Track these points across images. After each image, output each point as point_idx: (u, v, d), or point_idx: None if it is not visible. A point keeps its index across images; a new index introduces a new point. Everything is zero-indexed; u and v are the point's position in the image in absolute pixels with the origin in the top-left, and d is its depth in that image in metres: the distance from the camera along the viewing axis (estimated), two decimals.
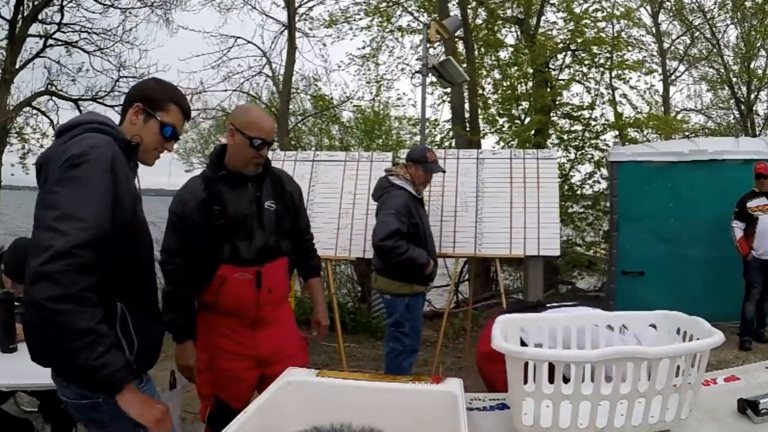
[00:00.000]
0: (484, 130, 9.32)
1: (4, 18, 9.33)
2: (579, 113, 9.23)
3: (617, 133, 9.30)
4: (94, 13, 10.06)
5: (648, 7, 11.42)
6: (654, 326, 1.68)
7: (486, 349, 1.96)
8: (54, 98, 10.14)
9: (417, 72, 7.65)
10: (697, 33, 12.30)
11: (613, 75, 9.24)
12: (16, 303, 2.53)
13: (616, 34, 9.44)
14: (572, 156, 9.14)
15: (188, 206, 2.00)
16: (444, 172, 4.21)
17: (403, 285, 3.52)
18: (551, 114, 9.13)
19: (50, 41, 9.94)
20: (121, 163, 1.40)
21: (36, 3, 9.51)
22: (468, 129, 8.87)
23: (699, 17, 12.10)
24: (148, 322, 1.48)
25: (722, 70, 12.24)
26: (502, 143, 9.32)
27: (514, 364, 1.32)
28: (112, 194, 1.33)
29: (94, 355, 1.22)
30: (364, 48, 10.90)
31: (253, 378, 2.14)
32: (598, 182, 8.83)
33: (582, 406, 1.29)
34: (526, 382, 1.36)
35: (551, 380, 1.32)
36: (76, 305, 1.20)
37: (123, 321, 1.38)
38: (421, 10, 10.54)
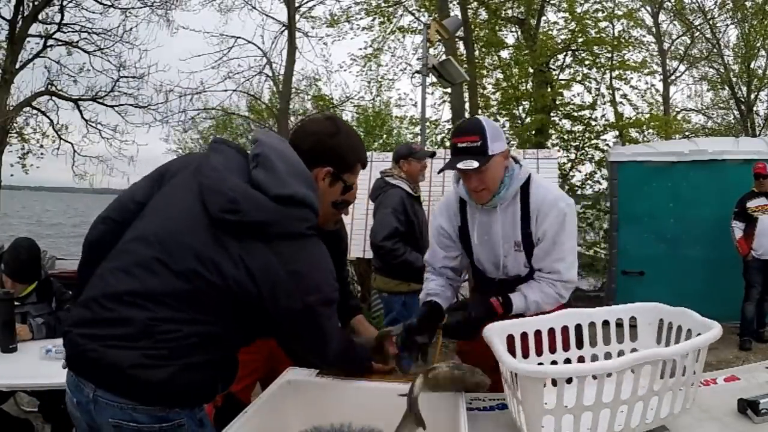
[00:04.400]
0: None
1: (4, 18, 9.35)
2: (580, 113, 9.23)
3: (617, 133, 9.30)
4: (94, 13, 10.09)
5: (648, 8, 11.42)
6: (635, 319, 1.69)
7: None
8: (54, 98, 10.15)
9: (417, 72, 7.66)
10: (698, 33, 12.30)
11: (613, 75, 9.24)
12: (16, 303, 2.53)
13: (617, 35, 9.44)
14: (572, 156, 9.14)
15: None
16: (434, 154, 4.04)
17: (400, 283, 3.53)
18: (551, 114, 9.13)
19: (50, 41, 9.95)
20: None
21: (36, 3, 9.52)
22: None
23: (699, 17, 12.11)
24: None
25: (722, 70, 12.24)
26: None
27: (531, 383, 1.27)
28: None
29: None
30: (366, 48, 10.91)
31: (261, 369, 2.16)
32: (599, 182, 8.84)
33: (602, 414, 1.29)
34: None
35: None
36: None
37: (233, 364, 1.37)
38: (422, 9, 10.56)
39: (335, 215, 1.97)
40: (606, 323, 1.65)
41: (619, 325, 1.66)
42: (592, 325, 1.64)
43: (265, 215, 1.22)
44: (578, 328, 1.63)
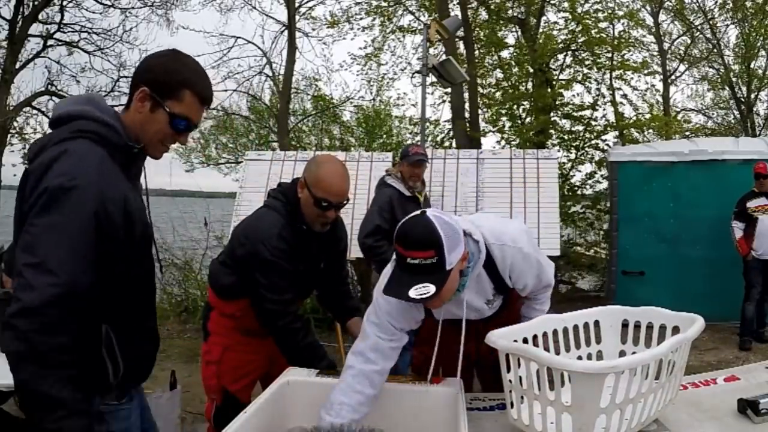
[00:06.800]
0: (485, 129, 9.33)
1: (4, 18, 9.36)
2: (580, 113, 9.22)
3: (618, 133, 9.30)
4: (94, 13, 10.10)
5: (648, 7, 11.42)
6: (597, 322, 1.71)
7: None
8: (54, 98, 10.14)
9: (417, 72, 7.66)
10: (698, 33, 12.30)
11: (614, 75, 9.22)
12: None
13: (617, 35, 9.43)
14: (573, 156, 9.13)
15: (285, 253, 1.92)
16: (425, 160, 3.77)
17: None
18: (551, 114, 9.12)
19: (50, 41, 9.96)
20: (114, 187, 1.21)
21: (36, 3, 9.52)
22: (468, 129, 8.87)
23: (699, 17, 12.11)
24: (140, 342, 1.36)
25: (722, 70, 12.24)
26: (503, 142, 9.33)
27: (591, 381, 1.21)
28: (95, 240, 1.16)
29: (52, 418, 1.11)
30: (365, 48, 10.92)
31: (261, 369, 2.16)
32: (599, 182, 8.83)
33: (628, 409, 1.30)
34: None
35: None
36: (39, 368, 1.10)
37: (108, 343, 1.26)
38: (422, 9, 10.56)
39: (320, 216, 1.95)
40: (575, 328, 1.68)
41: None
42: (565, 330, 1.66)
43: (40, 142, 1.25)
44: (555, 333, 1.65)
